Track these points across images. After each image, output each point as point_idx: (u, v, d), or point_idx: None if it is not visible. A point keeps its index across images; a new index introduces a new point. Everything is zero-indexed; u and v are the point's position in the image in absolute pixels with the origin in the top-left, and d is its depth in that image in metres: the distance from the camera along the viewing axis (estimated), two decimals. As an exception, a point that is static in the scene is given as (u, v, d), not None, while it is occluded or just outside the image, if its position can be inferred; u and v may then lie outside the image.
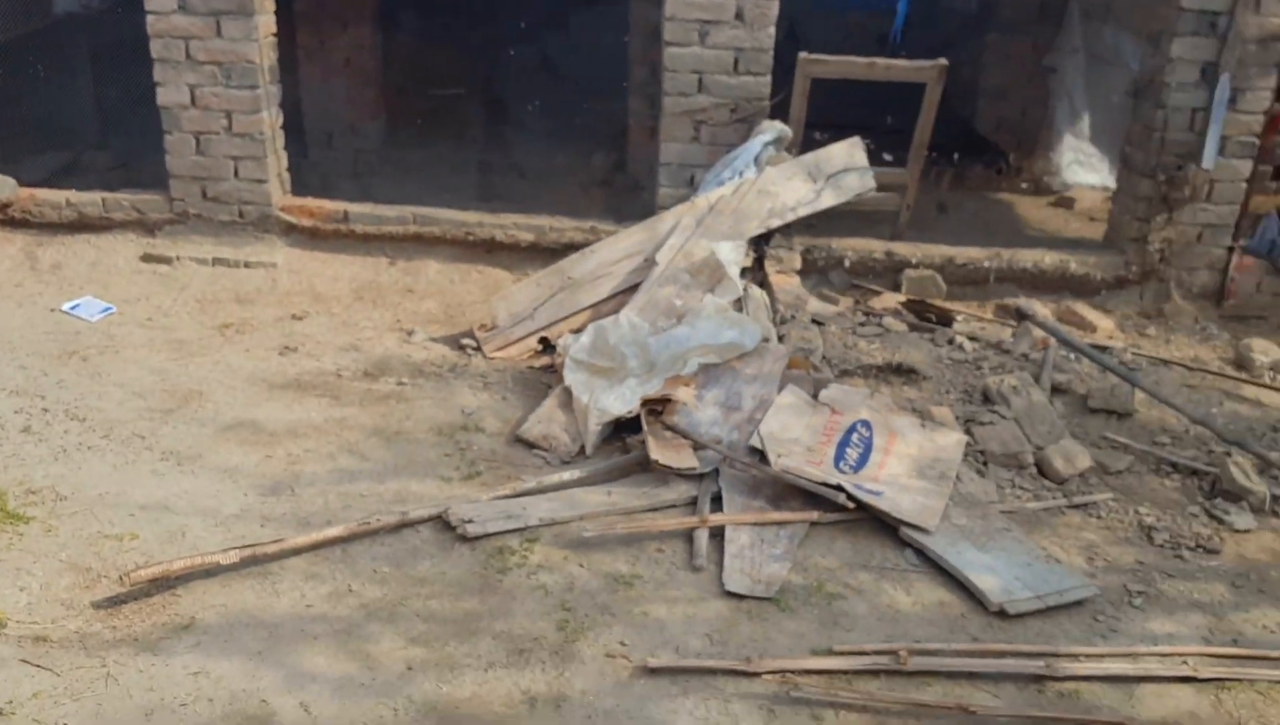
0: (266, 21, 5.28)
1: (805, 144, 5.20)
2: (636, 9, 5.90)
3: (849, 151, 4.96)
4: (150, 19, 5.13)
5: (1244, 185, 5.13)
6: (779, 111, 5.18)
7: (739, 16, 4.91)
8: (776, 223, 4.79)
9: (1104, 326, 5.07)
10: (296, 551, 3.32)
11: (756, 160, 4.90)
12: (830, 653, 2.98)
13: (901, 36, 5.89)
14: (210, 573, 3.19)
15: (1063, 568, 3.39)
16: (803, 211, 4.84)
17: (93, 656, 2.88)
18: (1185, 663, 3.00)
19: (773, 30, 4.97)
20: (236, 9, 5.07)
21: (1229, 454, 3.95)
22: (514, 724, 2.73)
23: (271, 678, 2.84)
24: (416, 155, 7.24)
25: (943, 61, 4.99)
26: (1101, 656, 3.02)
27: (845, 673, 2.91)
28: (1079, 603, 3.26)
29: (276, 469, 3.79)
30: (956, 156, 6.55)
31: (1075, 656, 3.00)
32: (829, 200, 4.88)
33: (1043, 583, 3.29)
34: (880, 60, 5.09)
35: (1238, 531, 3.69)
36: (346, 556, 3.34)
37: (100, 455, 3.81)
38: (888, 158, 5.32)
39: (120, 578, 3.11)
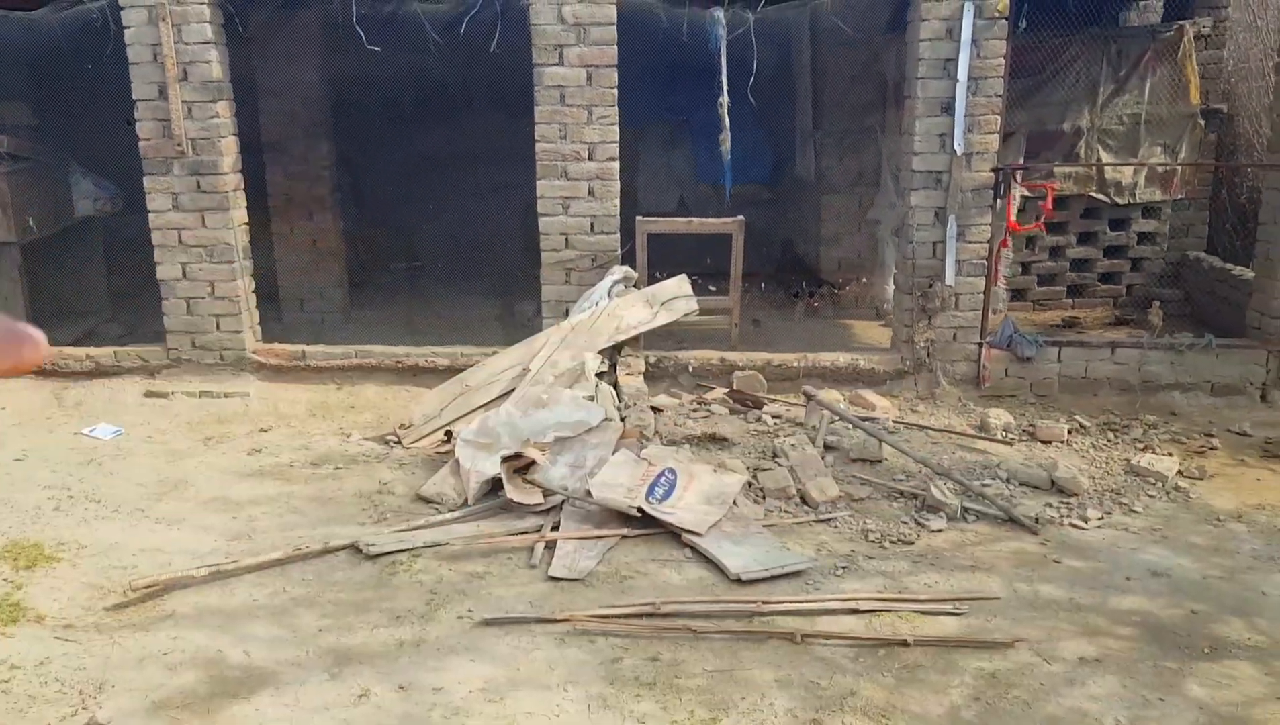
0: (239, 214, 7.01)
1: (652, 280, 6.86)
2: (515, 193, 7.68)
3: (678, 285, 6.61)
4: (151, 216, 6.86)
5: (981, 296, 6.75)
6: (631, 258, 6.87)
7: (591, 194, 6.66)
8: (621, 338, 6.37)
9: (882, 406, 6.59)
10: (248, 569, 4.70)
11: (609, 294, 6.53)
12: (611, 607, 4.35)
13: (730, 198, 7.59)
14: (187, 585, 4.57)
15: (791, 553, 4.79)
16: (643, 328, 6.44)
17: (103, 634, 4.23)
18: (854, 602, 4.37)
19: (617, 201, 6.71)
20: (216, 206, 6.81)
21: (933, 479, 5.40)
22: (387, 657, 4.07)
23: (225, 639, 4.19)
24: (370, 314, 8.93)
25: (740, 218, 6.72)
26: (798, 601, 4.39)
27: (619, 617, 4.27)
28: (798, 573, 4.64)
29: (240, 525, 5.21)
30: (797, 288, 8.25)
31: (779, 601, 4.38)
32: (663, 319, 6.49)
33: (772, 560, 4.69)
34: (696, 218, 6.83)
35: (932, 531, 5.10)
36: (283, 572, 4.72)
37: (111, 522, 5.24)
38: (712, 289, 6.96)
39: (124, 590, 4.50)
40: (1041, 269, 8.92)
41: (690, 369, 6.90)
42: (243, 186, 7.10)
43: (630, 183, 10.20)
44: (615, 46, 6.42)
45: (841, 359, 6.89)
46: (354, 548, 4.88)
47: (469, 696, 3.76)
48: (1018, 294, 8.91)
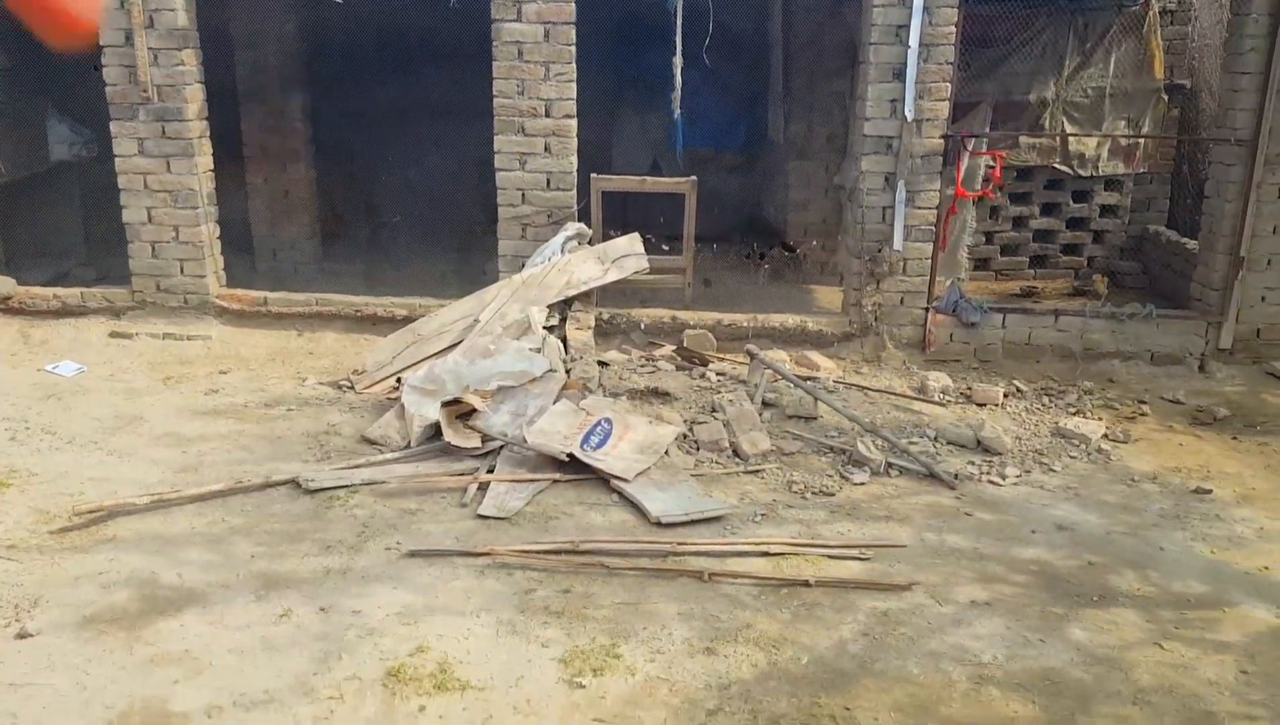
0: (204, 161, 7.14)
1: (607, 238, 7.00)
2: (474, 146, 7.79)
3: (630, 242, 6.75)
4: (118, 160, 7.00)
5: (929, 261, 6.89)
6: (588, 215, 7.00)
7: (547, 150, 6.78)
8: (572, 292, 6.52)
9: (827, 366, 6.75)
10: (190, 499, 4.89)
11: (563, 249, 6.68)
12: (533, 543, 4.53)
13: (681, 159, 7.70)
14: (129, 512, 4.75)
15: (713, 500, 4.97)
16: (594, 284, 6.59)
17: (44, 555, 4.42)
18: (765, 546, 4.55)
19: (574, 159, 6.83)
20: (180, 152, 6.95)
21: (861, 435, 5.57)
22: (313, 582, 4.25)
23: (160, 562, 4.37)
24: (341, 266, 9.07)
25: (693, 178, 6.84)
26: (712, 543, 4.57)
27: (538, 553, 4.45)
28: (717, 519, 4.81)
29: (188, 459, 5.39)
30: (749, 250, 8.38)
31: (694, 543, 4.56)
32: (614, 276, 6.63)
33: (693, 506, 4.86)
34: (650, 177, 6.95)
35: (855, 484, 5.27)
36: (224, 503, 4.91)
37: (64, 453, 5.42)
38: (665, 248, 7.10)
39: (69, 515, 4.69)
40: (1005, 239, 9.04)
41: (642, 326, 7.05)
42: (208, 134, 7.23)
43: (605, 145, 10.32)
44: (573, 4, 6.51)
45: (791, 320, 7.04)
46: (294, 483, 5.06)
47: (385, 619, 3.95)
48: (981, 263, 9.03)
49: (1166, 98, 8.57)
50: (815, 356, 6.83)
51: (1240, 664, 3.82)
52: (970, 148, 7.02)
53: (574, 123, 6.78)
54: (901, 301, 6.94)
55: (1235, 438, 5.99)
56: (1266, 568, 4.53)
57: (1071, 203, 8.90)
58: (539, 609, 4.04)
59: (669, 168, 10.12)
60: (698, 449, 5.61)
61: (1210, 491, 5.22)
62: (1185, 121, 8.85)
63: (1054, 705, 3.55)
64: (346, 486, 5.04)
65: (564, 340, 6.46)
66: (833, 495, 5.16)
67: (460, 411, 5.56)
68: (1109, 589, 4.32)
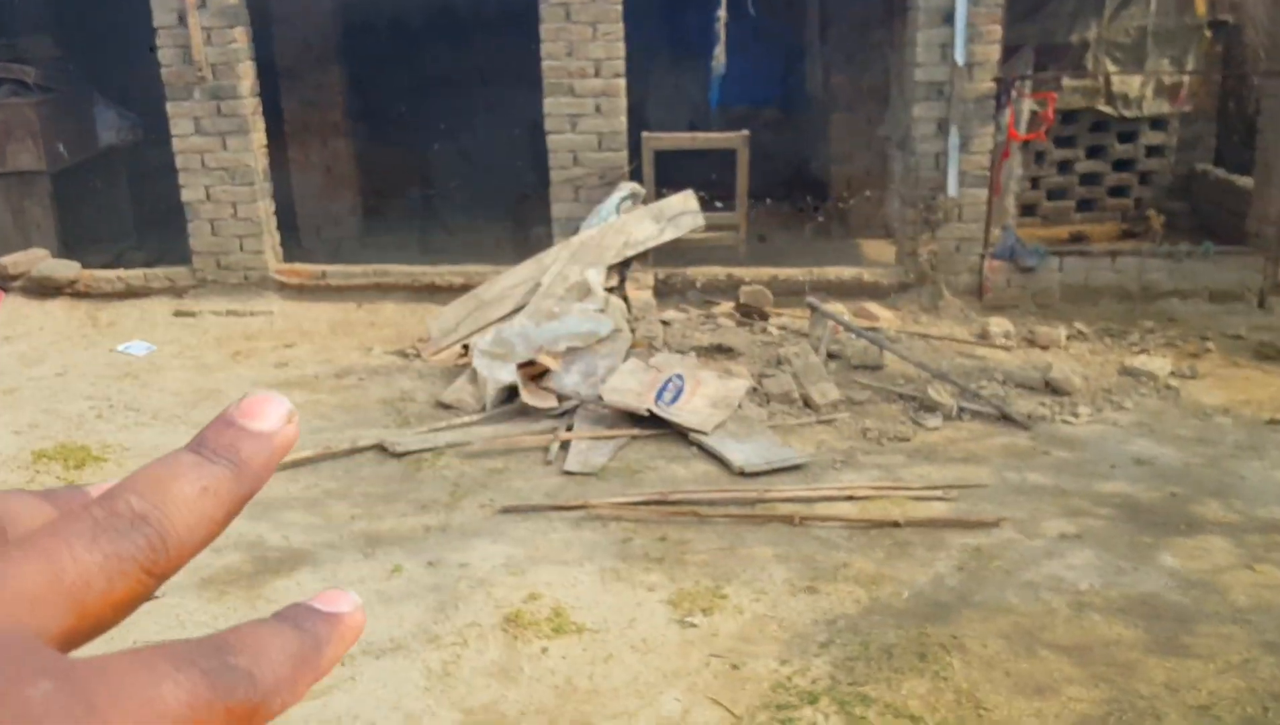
0: (259, 137, 7.21)
1: (659, 197, 7.04)
2: (523, 110, 7.82)
3: (684, 200, 6.79)
4: (175, 140, 7.08)
5: (984, 207, 6.90)
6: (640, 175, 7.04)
7: (598, 110, 6.81)
8: (630, 252, 6.57)
9: (886, 317, 6.79)
10: (281, 468, 5.00)
11: (617, 210, 6.72)
12: (623, 496, 4.63)
13: (716, 112, 7.69)
14: (226, 480, 4.88)
15: (792, 449, 5.05)
16: (651, 244, 6.64)
17: (152, 524, 4.55)
18: (850, 491, 4.63)
19: (624, 118, 6.86)
20: (236, 130, 7.02)
21: (930, 381, 5.63)
22: (415, 540, 4.37)
23: (264, 526, 4.50)
24: (385, 238, 9.15)
25: (745, 132, 6.87)
26: (797, 490, 4.66)
27: (630, 504, 4.55)
28: (798, 467, 4.90)
29: (271, 430, 5.50)
30: (802, 204, 8.42)
31: (780, 491, 4.65)
32: (670, 235, 6.68)
33: (774, 455, 4.95)
34: (700, 134, 6.97)
35: (928, 429, 5.34)
36: (314, 469, 5.03)
37: (150, 428, 5.55)
38: (719, 205, 7.14)
39: (167, 486, 4.81)
40: (1051, 184, 9.00)
41: (698, 285, 7.11)
42: (261, 111, 7.29)
43: (641, 105, 10.32)
44: (620, -37, 6.52)
45: (846, 273, 7.08)
46: (380, 447, 5.18)
47: (492, 571, 4.06)
48: (1028, 209, 9.00)
49: (1210, 34, 8.50)
50: (873, 307, 6.88)
51: (1333, 584, 3.88)
52: (1021, 91, 7.00)
53: (623, 82, 6.81)
54: (957, 249, 6.97)
55: (1300, 370, 6.02)
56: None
57: (1117, 145, 8.84)
58: (639, 556, 4.14)
59: (705, 126, 10.13)
60: (769, 402, 5.68)
61: (1283, 422, 5.27)
62: (1230, 58, 8.76)
63: (1156, 627, 3.63)
64: (431, 449, 5.15)
65: (625, 300, 6.53)
66: (908, 441, 5.23)
67: (533, 373, 5.64)
68: (1194, 518, 4.38)
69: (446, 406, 5.71)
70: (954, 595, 3.86)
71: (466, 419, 5.45)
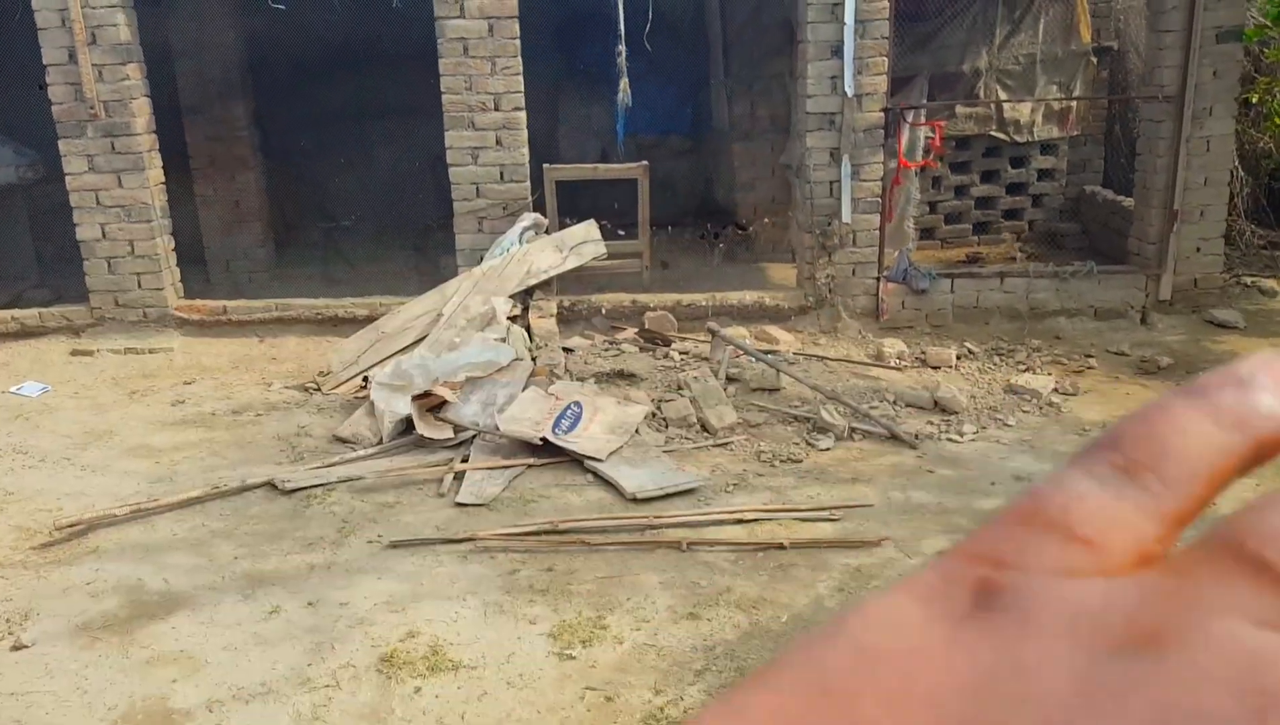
0: (155, 174, 7.13)
1: (563, 226, 7.11)
2: (425, 143, 7.85)
3: (586, 230, 6.86)
4: (69, 178, 6.97)
5: (877, 232, 7.08)
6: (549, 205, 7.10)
7: (499, 143, 6.87)
8: (533, 282, 6.62)
9: (786, 340, 6.92)
10: (168, 507, 4.93)
11: (520, 240, 6.77)
12: (513, 527, 4.64)
13: (623, 147, 7.82)
14: (110, 523, 4.79)
15: (686, 474, 5.12)
16: (553, 273, 6.69)
17: (30, 570, 4.45)
18: (739, 514, 4.70)
19: (525, 151, 6.93)
20: (131, 167, 6.93)
21: (824, 403, 5.75)
22: (298, 579, 4.33)
23: (145, 569, 4.42)
24: (295, 271, 9.08)
25: (644, 163, 6.97)
26: (688, 514, 4.72)
27: (519, 535, 4.57)
28: (691, 491, 4.96)
29: (162, 469, 5.42)
30: (703, 231, 8.54)
31: (671, 516, 4.70)
32: (572, 263, 6.74)
33: (667, 480, 5.00)
34: (601, 165, 7.05)
35: (820, 450, 5.44)
36: (203, 509, 4.95)
37: (38, 471, 5.43)
38: (621, 233, 7.22)
39: (50, 531, 4.71)
40: (948, 208, 9.27)
41: (604, 311, 7.17)
42: (157, 147, 7.21)
43: (552, 136, 10.41)
44: (516, -2, 6.61)
45: (748, 297, 7.20)
46: (270, 484, 5.12)
47: (373, 609, 4.04)
48: (927, 232, 9.25)
49: (1095, 60, 8.85)
50: (774, 330, 7.00)
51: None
52: (910, 120, 7.21)
53: (523, 115, 6.87)
54: (853, 272, 7.13)
55: (1179, 384, 6.21)
56: (1214, 504, 4.76)
57: (1010, 168, 9.16)
58: (524, 588, 4.15)
59: (617, 156, 10.25)
60: (667, 426, 5.74)
61: (1156, 434, 5.46)
62: (1114, 82, 9.14)
63: (1021, 641, 3.74)
64: (322, 485, 5.11)
65: (528, 329, 6.56)
66: (800, 462, 5.32)
67: (430, 404, 5.64)
68: (1066, 531, 4.52)
69: (343, 441, 5.67)
70: (831, 616, 3.93)
71: (360, 453, 5.42)
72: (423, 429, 5.41)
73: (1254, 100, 8.67)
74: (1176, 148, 6.99)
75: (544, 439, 5.30)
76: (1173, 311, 7.21)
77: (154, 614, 4.06)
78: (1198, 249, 7.17)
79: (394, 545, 4.53)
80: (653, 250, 7.31)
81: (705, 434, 5.68)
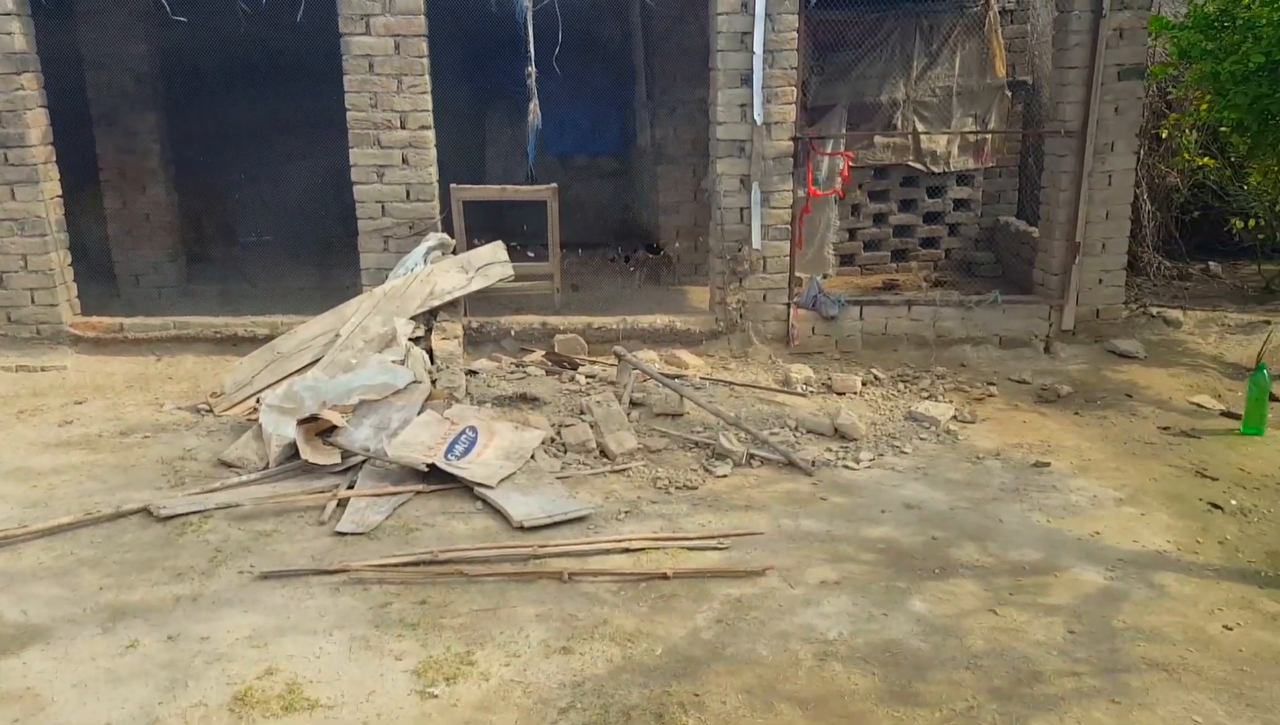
0: (51, 187, 6.91)
1: (472, 247, 7.01)
2: (332, 159, 7.70)
3: (493, 251, 6.77)
4: (-42, 189, 6.73)
5: (787, 259, 7.09)
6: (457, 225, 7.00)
7: (405, 161, 6.76)
8: (435, 303, 6.51)
9: (695, 364, 6.88)
10: (37, 534, 4.73)
11: (425, 260, 6.66)
12: (390, 557, 4.52)
13: (534, 168, 7.76)
14: (-30, 551, 4.58)
15: (576, 501, 5.03)
16: (458, 294, 6.59)
17: (-124, 601, 4.23)
18: (627, 543, 4.62)
19: (434, 170, 6.83)
20: (25, 179, 6.71)
21: (724, 429, 5.71)
22: (162, 611, 4.16)
23: (3, 600, 4.22)
24: (208, 287, 8.87)
25: (553, 185, 6.91)
26: (574, 543, 4.63)
27: (395, 566, 4.44)
28: (581, 519, 4.88)
29: (38, 494, 5.21)
30: (614, 254, 8.53)
31: (557, 544, 4.61)
32: (478, 285, 6.65)
33: (556, 508, 4.92)
34: (509, 186, 6.99)
35: (718, 477, 5.40)
36: (74, 536, 4.76)
37: (-101, 495, 5.18)
38: (531, 255, 7.15)
39: (-96, 559, 4.49)
40: (867, 235, 9.34)
41: (513, 333, 7.08)
42: (54, 159, 6.99)
43: (479, 154, 10.33)
44: (423, 16, 6.52)
45: (660, 321, 7.15)
46: (146, 511, 4.95)
47: (234, 644, 3.89)
48: (846, 259, 9.31)
49: (1010, 94, 8.99)
50: (684, 355, 6.96)
51: (1068, 624, 4.04)
52: (829, 149, 7.25)
53: (431, 134, 6.78)
54: (764, 298, 7.13)
55: (1077, 413, 6.32)
56: (1098, 533, 4.80)
57: (927, 198, 9.26)
58: (394, 622, 4.03)
59: (529, 177, 10.20)
60: (565, 452, 5.66)
61: (1049, 464, 5.50)
62: (1029, 116, 9.29)
63: (893, 675, 3.71)
64: (200, 512, 4.95)
65: (430, 351, 6.45)
66: (696, 489, 5.27)
67: (320, 428, 5.50)
68: (950, 561, 4.52)
69: (229, 465, 5.50)
70: (706, 650, 3.87)
71: (244, 478, 5.26)
72: (308, 454, 5.27)
73: (1164, 135, 8.88)
74: (1079, 182, 7.10)
75: (432, 465, 5.18)
76: (1075, 341, 7.30)
77: (5, 648, 3.87)
78: (1100, 280, 7.28)
79: (265, 576, 4.38)
80: (565, 272, 7.23)
81: (604, 460, 5.61)
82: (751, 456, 5.58)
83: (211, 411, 6.21)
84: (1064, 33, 7.17)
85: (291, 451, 5.47)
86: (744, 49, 6.64)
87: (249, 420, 6.07)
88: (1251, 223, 8.61)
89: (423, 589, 4.27)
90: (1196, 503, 5.10)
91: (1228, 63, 6.20)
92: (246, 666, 3.74)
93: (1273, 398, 6.07)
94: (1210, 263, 9.56)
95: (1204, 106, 7.40)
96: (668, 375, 6.42)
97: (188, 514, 4.91)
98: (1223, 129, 7.63)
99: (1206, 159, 8.73)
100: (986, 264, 9.07)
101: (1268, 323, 7.83)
